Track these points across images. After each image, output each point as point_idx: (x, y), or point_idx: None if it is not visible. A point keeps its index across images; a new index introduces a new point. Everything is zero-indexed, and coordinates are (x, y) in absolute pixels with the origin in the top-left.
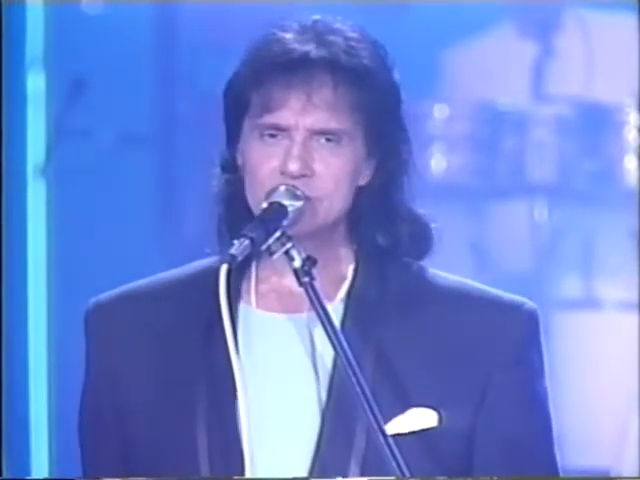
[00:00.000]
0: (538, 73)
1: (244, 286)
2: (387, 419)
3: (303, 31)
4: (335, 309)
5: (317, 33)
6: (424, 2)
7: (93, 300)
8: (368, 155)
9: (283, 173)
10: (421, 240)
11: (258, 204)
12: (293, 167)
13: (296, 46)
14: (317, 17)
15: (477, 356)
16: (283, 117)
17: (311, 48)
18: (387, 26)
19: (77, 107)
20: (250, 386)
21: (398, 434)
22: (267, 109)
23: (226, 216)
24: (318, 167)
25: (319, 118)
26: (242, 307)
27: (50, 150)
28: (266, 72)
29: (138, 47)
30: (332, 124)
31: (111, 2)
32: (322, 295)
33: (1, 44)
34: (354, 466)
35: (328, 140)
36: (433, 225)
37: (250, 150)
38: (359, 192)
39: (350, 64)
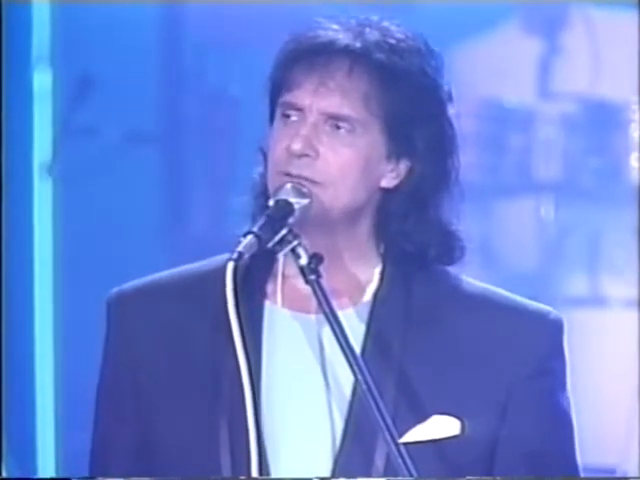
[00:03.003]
0: (544, 71)
1: (270, 285)
2: (409, 426)
3: (350, 24)
4: (360, 312)
5: (361, 26)
6: (430, 1)
7: (115, 289)
8: (391, 154)
9: (288, 152)
10: (450, 251)
11: (271, 186)
12: (296, 146)
13: (329, 33)
14: (375, 17)
15: (501, 366)
16: (299, 97)
17: (343, 37)
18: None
19: (83, 105)
20: (269, 384)
21: (420, 442)
22: (288, 88)
23: (262, 204)
24: (324, 151)
25: (332, 102)
26: (267, 306)
27: (56, 148)
28: (294, 55)
29: (145, 45)
30: (344, 110)
31: (118, 0)
32: (329, 293)
33: (7, 42)
34: (377, 468)
35: (340, 128)
36: (464, 239)
37: (273, 130)
38: (388, 196)
39: (374, 56)
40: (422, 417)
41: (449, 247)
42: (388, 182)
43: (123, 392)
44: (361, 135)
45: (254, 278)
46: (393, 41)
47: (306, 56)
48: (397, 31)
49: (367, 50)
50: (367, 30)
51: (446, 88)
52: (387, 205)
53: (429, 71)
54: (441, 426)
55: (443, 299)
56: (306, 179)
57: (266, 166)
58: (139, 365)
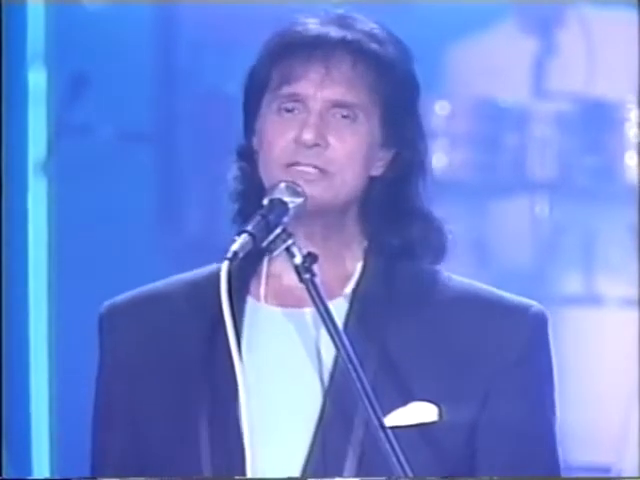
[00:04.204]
0: (539, 70)
1: (254, 282)
2: (391, 412)
3: (327, 18)
4: (339, 304)
5: (340, 19)
6: (426, 1)
7: (107, 303)
8: (384, 143)
9: (297, 143)
10: (434, 245)
11: (273, 180)
12: (308, 136)
13: (318, 26)
14: (341, 11)
15: (481, 357)
16: (301, 87)
17: (332, 29)
18: (389, 23)
19: (78, 104)
20: (253, 381)
21: (399, 427)
22: (286, 81)
23: (240, 208)
24: (332, 140)
25: (336, 91)
26: (250, 302)
27: (51, 147)
28: (287, 48)
29: (139, 44)
30: (349, 97)
31: (113, 0)
32: (323, 292)
33: (2, 41)
34: (351, 462)
35: (345, 116)
36: (450, 236)
37: (267, 125)
38: (372, 183)
39: (370, 46)
40: (404, 404)
41: (434, 243)
42: (376, 170)
43: (115, 398)
44: (363, 123)
45: (240, 276)
46: (377, 31)
47: (303, 49)
48: (372, 22)
49: (363, 40)
50: (352, 22)
51: (417, 72)
52: (371, 193)
53: (408, 57)
54: (419, 412)
55: (425, 292)
56: (315, 167)
57: (242, 167)
58: (134, 378)
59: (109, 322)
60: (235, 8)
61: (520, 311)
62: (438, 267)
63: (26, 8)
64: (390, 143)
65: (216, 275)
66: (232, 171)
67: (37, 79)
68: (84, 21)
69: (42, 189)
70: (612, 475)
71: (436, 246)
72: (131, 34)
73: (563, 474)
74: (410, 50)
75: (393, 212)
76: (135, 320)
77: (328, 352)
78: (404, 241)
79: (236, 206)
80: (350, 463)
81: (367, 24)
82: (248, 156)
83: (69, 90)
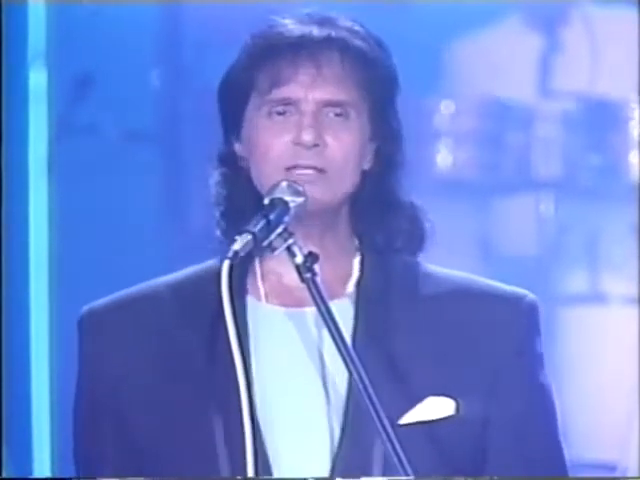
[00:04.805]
0: (544, 69)
1: (250, 282)
2: (397, 411)
3: (302, 18)
4: (344, 304)
5: (319, 17)
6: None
7: (86, 308)
8: (372, 136)
9: (297, 144)
10: (415, 238)
11: (269, 183)
12: (307, 137)
13: (299, 26)
14: (310, 10)
15: (483, 348)
16: (292, 90)
17: (314, 28)
18: (392, 21)
19: (81, 104)
20: (259, 381)
21: (412, 424)
22: (275, 84)
23: (226, 213)
24: (329, 139)
25: (328, 90)
26: (250, 302)
27: (52, 147)
28: (272, 51)
29: (142, 43)
30: (341, 96)
31: None
32: (324, 291)
33: (2, 41)
34: (375, 464)
35: (337, 115)
36: (428, 224)
37: (258, 130)
38: (362, 178)
39: (355, 43)
40: (411, 402)
41: (416, 234)
42: (366, 164)
43: (101, 407)
44: (355, 120)
45: (237, 275)
46: (356, 27)
47: (288, 50)
48: (347, 19)
49: (348, 38)
50: (332, 21)
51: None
52: (360, 187)
53: (387, 51)
54: (436, 407)
55: (423, 286)
56: (314, 168)
57: (224, 173)
58: (118, 381)
59: (89, 326)
60: (239, 8)
61: (515, 301)
62: (425, 262)
63: (27, 8)
64: (376, 136)
65: (206, 274)
66: (214, 177)
67: (38, 79)
68: (85, 21)
69: (43, 189)
70: (617, 475)
71: (415, 239)
72: (134, 33)
73: (569, 472)
74: (387, 45)
75: (379, 206)
76: (118, 323)
77: (332, 353)
78: (389, 234)
79: (219, 210)
80: (374, 466)
81: (346, 21)
82: (231, 162)
83: (73, 90)
